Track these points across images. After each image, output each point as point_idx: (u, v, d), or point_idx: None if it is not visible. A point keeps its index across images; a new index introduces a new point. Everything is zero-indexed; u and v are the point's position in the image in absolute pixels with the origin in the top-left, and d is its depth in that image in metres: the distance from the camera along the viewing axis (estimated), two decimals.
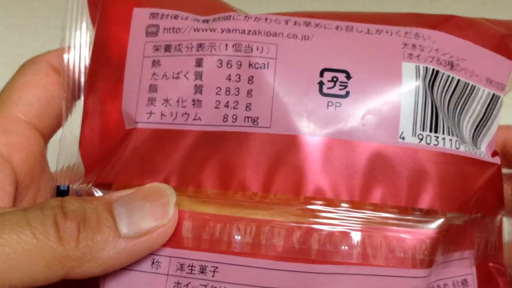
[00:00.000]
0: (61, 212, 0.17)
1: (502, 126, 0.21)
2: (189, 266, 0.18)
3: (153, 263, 0.18)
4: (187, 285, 0.18)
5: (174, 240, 0.18)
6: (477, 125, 0.20)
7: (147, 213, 0.17)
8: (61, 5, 0.20)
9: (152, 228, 0.17)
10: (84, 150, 0.19)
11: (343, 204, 0.18)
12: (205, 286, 0.18)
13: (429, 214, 0.18)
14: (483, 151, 0.20)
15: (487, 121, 0.20)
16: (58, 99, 0.20)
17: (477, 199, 0.19)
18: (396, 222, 0.18)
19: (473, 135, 0.20)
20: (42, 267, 0.16)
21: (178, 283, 0.18)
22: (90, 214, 0.17)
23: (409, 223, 0.18)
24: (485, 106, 0.20)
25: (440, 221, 0.18)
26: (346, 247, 0.18)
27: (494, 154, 0.20)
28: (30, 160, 0.19)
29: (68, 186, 0.20)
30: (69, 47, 0.20)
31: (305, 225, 0.18)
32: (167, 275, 0.18)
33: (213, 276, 0.18)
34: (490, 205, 0.20)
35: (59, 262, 0.16)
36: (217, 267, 0.18)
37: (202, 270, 0.18)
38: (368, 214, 0.18)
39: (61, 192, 0.20)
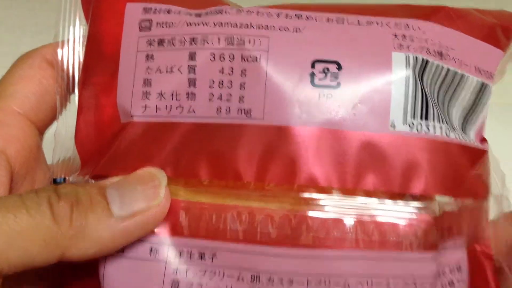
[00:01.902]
0: (55, 194, 0.17)
1: None
2: (188, 252, 0.18)
3: (151, 250, 0.19)
4: (186, 271, 0.18)
5: (172, 228, 0.19)
6: (466, 113, 0.20)
7: (139, 195, 0.18)
8: (60, 4, 0.21)
9: (143, 209, 0.18)
10: (79, 144, 0.20)
11: (335, 192, 0.19)
12: (204, 271, 0.18)
13: (421, 199, 0.19)
14: (472, 138, 0.20)
15: (476, 109, 0.20)
16: (53, 92, 0.20)
17: (467, 184, 0.20)
18: (389, 208, 0.19)
19: (462, 123, 0.20)
20: (38, 246, 0.16)
21: (177, 270, 0.18)
22: (83, 196, 0.17)
23: (402, 209, 0.19)
24: (474, 95, 0.20)
25: (432, 206, 0.19)
26: (340, 233, 0.18)
27: (483, 140, 0.21)
28: (25, 151, 0.20)
29: (64, 179, 0.20)
30: (63, 42, 0.20)
31: (299, 213, 0.18)
32: (166, 262, 0.19)
33: (212, 261, 0.18)
34: (479, 189, 0.20)
35: (54, 240, 0.17)
36: (215, 253, 0.18)
37: (201, 256, 0.18)
38: (361, 200, 0.19)
39: (55, 180, 0.20)
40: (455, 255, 0.20)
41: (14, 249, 0.16)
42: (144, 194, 0.18)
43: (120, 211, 0.17)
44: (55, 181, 0.20)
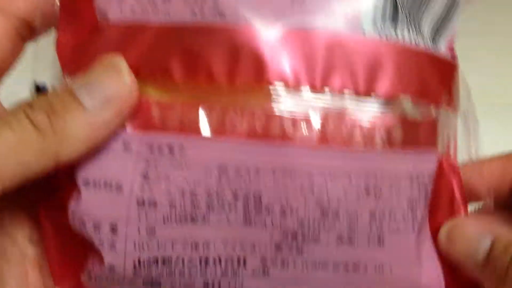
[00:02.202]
0: (29, 107, 0.18)
1: None
2: (158, 147, 0.19)
3: (124, 144, 0.19)
4: (156, 164, 0.19)
5: (143, 124, 0.19)
6: (437, 25, 0.21)
7: (105, 83, 0.18)
8: None
9: (113, 95, 0.18)
10: (59, 47, 0.20)
11: (304, 89, 0.19)
12: (172, 164, 0.19)
13: (386, 100, 0.19)
14: (442, 51, 0.21)
15: (447, 22, 0.21)
16: None
17: (434, 92, 0.20)
18: (355, 106, 0.19)
19: (433, 34, 0.21)
20: (31, 157, 0.17)
21: (147, 162, 0.19)
22: (55, 102, 0.18)
23: (367, 108, 0.19)
24: (446, 7, 0.21)
25: (397, 107, 0.19)
26: (307, 130, 0.19)
27: (453, 55, 0.21)
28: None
29: (45, 82, 0.21)
30: None
31: (268, 107, 0.19)
32: (138, 155, 0.19)
33: (180, 155, 0.19)
34: (447, 100, 0.21)
35: (43, 149, 0.18)
36: (184, 147, 0.19)
37: (170, 150, 0.19)
38: (328, 99, 0.19)
39: (38, 88, 0.21)
40: (420, 164, 0.21)
41: (6, 165, 0.17)
42: (109, 81, 0.18)
43: (93, 104, 0.18)
44: (37, 87, 0.21)
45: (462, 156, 0.23)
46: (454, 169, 0.22)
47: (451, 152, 0.22)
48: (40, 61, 0.21)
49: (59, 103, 0.18)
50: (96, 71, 0.19)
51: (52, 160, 0.18)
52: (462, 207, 0.23)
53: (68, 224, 0.20)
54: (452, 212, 0.23)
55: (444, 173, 0.22)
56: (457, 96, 0.21)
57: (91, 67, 0.19)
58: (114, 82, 0.18)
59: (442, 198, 0.22)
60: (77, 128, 0.18)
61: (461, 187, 0.22)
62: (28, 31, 0.21)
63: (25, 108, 0.18)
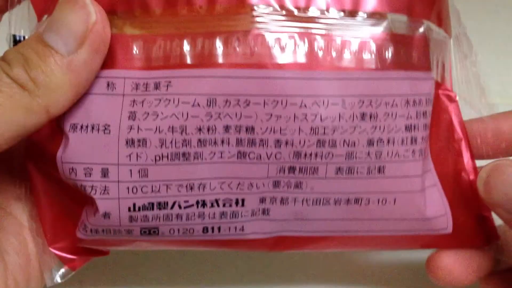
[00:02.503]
0: (5, 63, 0.17)
1: None
2: (143, 84, 0.19)
3: (108, 85, 0.19)
4: (143, 102, 0.18)
5: (126, 62, 0.19)
6: None
7: (72, 23, 0.18)
8: None
9: (85, 31, 0.18)
10: None
11: (289, 10, 0.19)
12: (159, 100, 0.18)
13: (373, 16, 0.19)
14: None
15: None
16: None
17: (422, 9, 0.20)
18: (342, 26, 0.19)
19: None
20: (21, 113, 0.17)
21: (133, 101, 0.19)
22: (28, 54, 0.18)
23: (355, 27, 0.19)
24: None
25: (384, 23, 0.19)
26: (294, 52, 0.18)
27: None
28: None
29: (24, 37, 0.20)
30: None
31: (253, 32, 0.18)
32: (123, 95, 0.19)
33: (166, 90, 0.18)
34: (437, 18, 0.20)
35: (31, 104, 0.17)
36: (170, 81, 0.18)
37: (156, 86, 0.18)
38: (314, 20, 0.19)
39: (17, 42, 0.20)
40: (416, 85, 0.20)
41: (2, 124, 0.17)
42: (76, 19, 0.18)
43: (67, 47, 0.18)
44: (14, 38, 0.20)
45: (459, 83, 0.22)
46: (451, 98, 0.22)
47: (447, 81, 0.21)
48: (16, 13, 0.21)
49: (32, 53, 0.18)
50: (61, 11, 0.18)
51: (44, 114, 0.17)
52: (462, 139, 0.22)
53: (59, 178, 0.20)
54: (452, 144, 0.22)
55: (440, 101, 0.21)
56: (447, 18, 0.21)
57: (56, 8, 0.18)
58: (81, 19, 0.18)
59: (440, 128, 0.22)
60: (58, 76, 0.17)
61: (460, 118, 0.22)
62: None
63: (2, 65, 0.17)
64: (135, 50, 0.19)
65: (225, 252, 0.29)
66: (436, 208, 0.21)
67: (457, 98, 0.22)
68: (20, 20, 0.20)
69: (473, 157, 0.22)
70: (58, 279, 0.22)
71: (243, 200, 0.20)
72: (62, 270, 0.22)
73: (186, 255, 0.29)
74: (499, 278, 0.23)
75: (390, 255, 0.29)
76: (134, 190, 0.19)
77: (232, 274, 0.28)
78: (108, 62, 0.19)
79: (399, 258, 0.29)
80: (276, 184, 0.20)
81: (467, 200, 0.22)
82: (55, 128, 0.19)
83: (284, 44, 0.18)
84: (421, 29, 0.20)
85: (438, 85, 0.21)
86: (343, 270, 0.28)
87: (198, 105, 0.18)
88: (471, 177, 0.22)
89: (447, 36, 0.21)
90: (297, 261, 0.29)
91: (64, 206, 0.21)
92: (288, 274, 0.28)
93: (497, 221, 0.22)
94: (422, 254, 0.24)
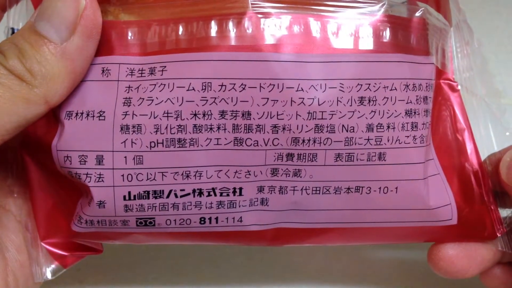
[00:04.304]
0: (1, 55, 0.17)
1: None
2: (139, 70, 0.18)
3: (103, 71, 0.19)
4: (138, 87, 0.18)
5: (121, 48, 0.19)
6: None
7: (62, 9, 0.17)
8: None
9: (75, 18, 0.17)
10: None
11: None
12: (154, 85, 0.18)
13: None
14: None
15: None
16: None
17: None
18: (338, 8, 0.19)
19: None
20: (21, 104, 0.17)
21: (129, 87, 0.18)
22: (22, 45, 0.18)
23: (351, 9, 0.19)
24: None
25: (381, 5, 0.19)
26: (290, 34, 0.18)
27: None
28: None
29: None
30: None
31: (249, 15, 0.18)
32: (118, 81, 0.18)
33: (161, 75, 0.18)
34: (435, 2, 0.20)
35: (30, 94, 0.17)
36: (165, 66, 0.18)
37: (151, 72, 0.18)
38: (310, 1, 0.18)
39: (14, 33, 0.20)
40: (415, 69, 0.20)
41: (3, 116, 0.17)
42: (65, 6, 0.17)
43: (59, 35, 0.17)
44: (13, 31, 0.20)
45: (460, 72, 0.22)
46: (453, 88, 0.21)
47: (448, 70, 0.21)
48: (14, 7, 0.21)
49: (25, 43, 0.17)
50: (50, 1, 0.18)
51: (43, 104, 0.17)
52: (465, 129, 0.22)
53: (55, 170, 0.20)
54: (455, 134, 0.22)
55: (442, 91, 0.21)
56: (446, 4, 0.21)
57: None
58: (71, 6, 0.17)
59: (442, 118, 0.21)
60: (53, 65, 0.17)
61: (463, 108, 0.21)
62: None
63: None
64: (130, 36, 0.19)
65: (225, 252, 0.28)
66: (440, 198, 0.21)
67: (459, 87, 0.21)
68: (18, 13, 0.21)
69: (477, 148, 0.22)
70: (48, 275, 0.21)
71: (240, 189, 0.19)
72: (53, 266, 0.21)
73: (186, 255, 0.28)
74: (501, 270, 0.23)
75: (390, 255, 0.28)
76: (129, 177, 0.19)
77: (232, 274, 0.27)
78: (103, 49, 0.19)
79: (399, 258, 0.28)
80: (274, 172, 0.19)
81: (472, 192, 0.22)
82: (51, 117, 0.19)
83: (280, 27, 0.18)
84: (419, 12, 0.20)
85: (440, 74, 0.21)
86: (343, 270, 0.28)
87: (193, 89, 0.18)
88: (475, 168, 0.22)
89: (447, 24, 0.21)
90: (297, 261, 0.28)
91: (58, 201, 0.21)
92: (288, 274, 0.28)
93: (501, 213, 0.22)
94: (422, 254, 0.23)
